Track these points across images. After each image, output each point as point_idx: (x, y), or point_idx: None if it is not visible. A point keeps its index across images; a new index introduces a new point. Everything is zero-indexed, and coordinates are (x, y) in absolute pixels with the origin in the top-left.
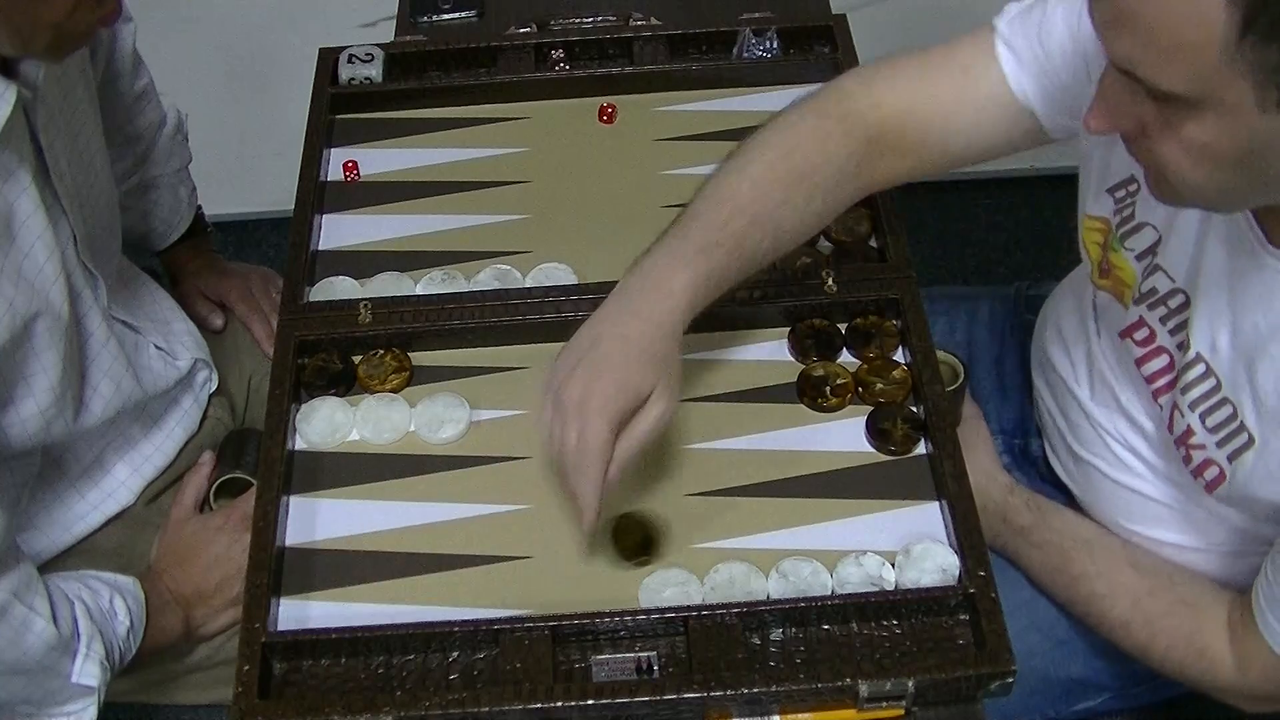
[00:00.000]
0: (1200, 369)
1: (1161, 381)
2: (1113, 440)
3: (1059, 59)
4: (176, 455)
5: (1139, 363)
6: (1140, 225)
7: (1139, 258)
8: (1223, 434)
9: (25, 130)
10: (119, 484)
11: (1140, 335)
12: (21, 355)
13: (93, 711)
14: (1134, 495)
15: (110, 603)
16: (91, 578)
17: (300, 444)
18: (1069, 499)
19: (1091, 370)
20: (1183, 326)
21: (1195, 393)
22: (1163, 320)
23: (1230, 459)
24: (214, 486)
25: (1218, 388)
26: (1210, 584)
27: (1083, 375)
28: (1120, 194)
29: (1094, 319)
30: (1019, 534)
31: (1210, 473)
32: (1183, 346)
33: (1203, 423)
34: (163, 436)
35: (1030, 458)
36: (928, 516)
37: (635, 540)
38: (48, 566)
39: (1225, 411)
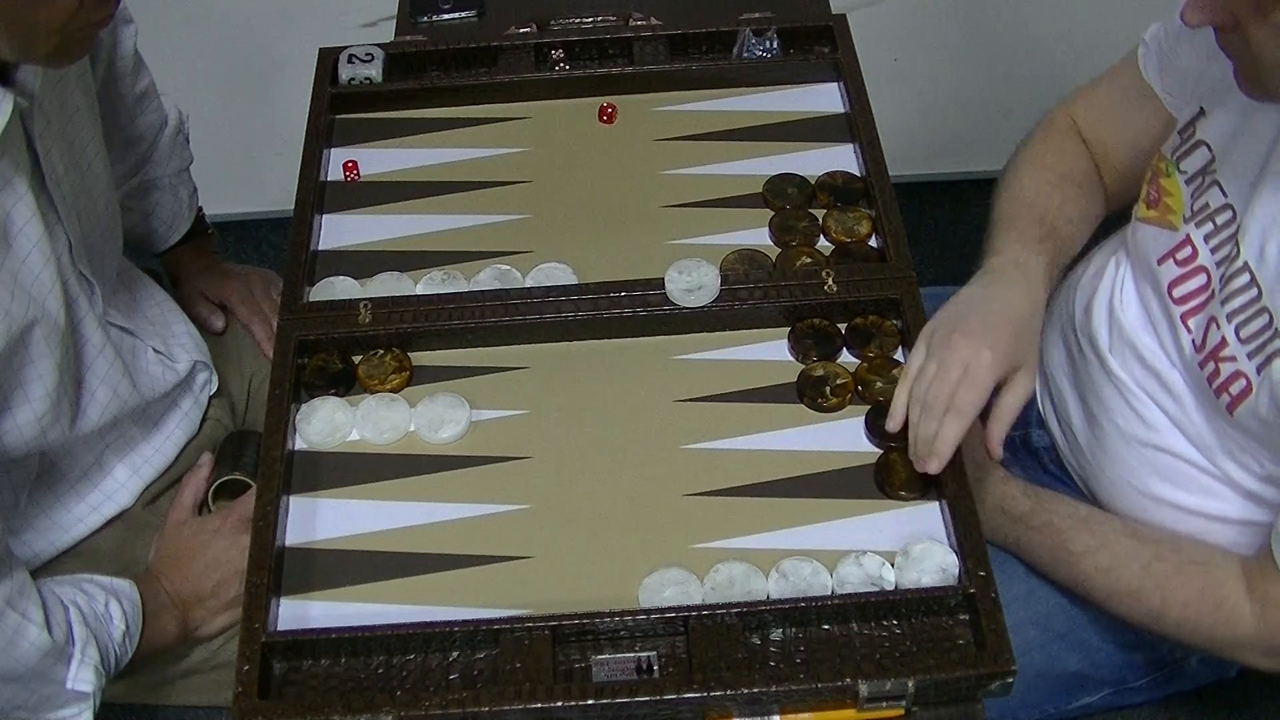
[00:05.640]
0: (1245, 279)
1: (1194, 303)
2: (1131, 393)
3: (1178, 35)
4: (176, 457)
5: (1172, 286)
6: (1196, 145)
7: (1189, 181)
8: (1255, 343)
9: (21, 138)
10: (118, 486)
11: (1182, 255)
12: (18, 363)
13: (88, 716)
14: (1150, 450)
15: (106, 607)
16: (87, 581)
17: (300, 444)
18: (1070, 490)
19: (1111, 321)
20: (1225, 243)
21: (1236, 303)
22: (1207, 238)
23: (1259, 370)
24: (212, 488)
25: (1258, 297)
26: (1215, 545)
27: (1102, 326)
28: (1184, 126)
29: (1125, 261)
30: (1017, 521)
31: (1236, 386)
32: (1226, 260)
33: (1237, 334)
34: (162, 438)
35: (1031, 448)
36: (928, 516)
37: (902, 476)
38: (46, 569)
39: (1261, 321)
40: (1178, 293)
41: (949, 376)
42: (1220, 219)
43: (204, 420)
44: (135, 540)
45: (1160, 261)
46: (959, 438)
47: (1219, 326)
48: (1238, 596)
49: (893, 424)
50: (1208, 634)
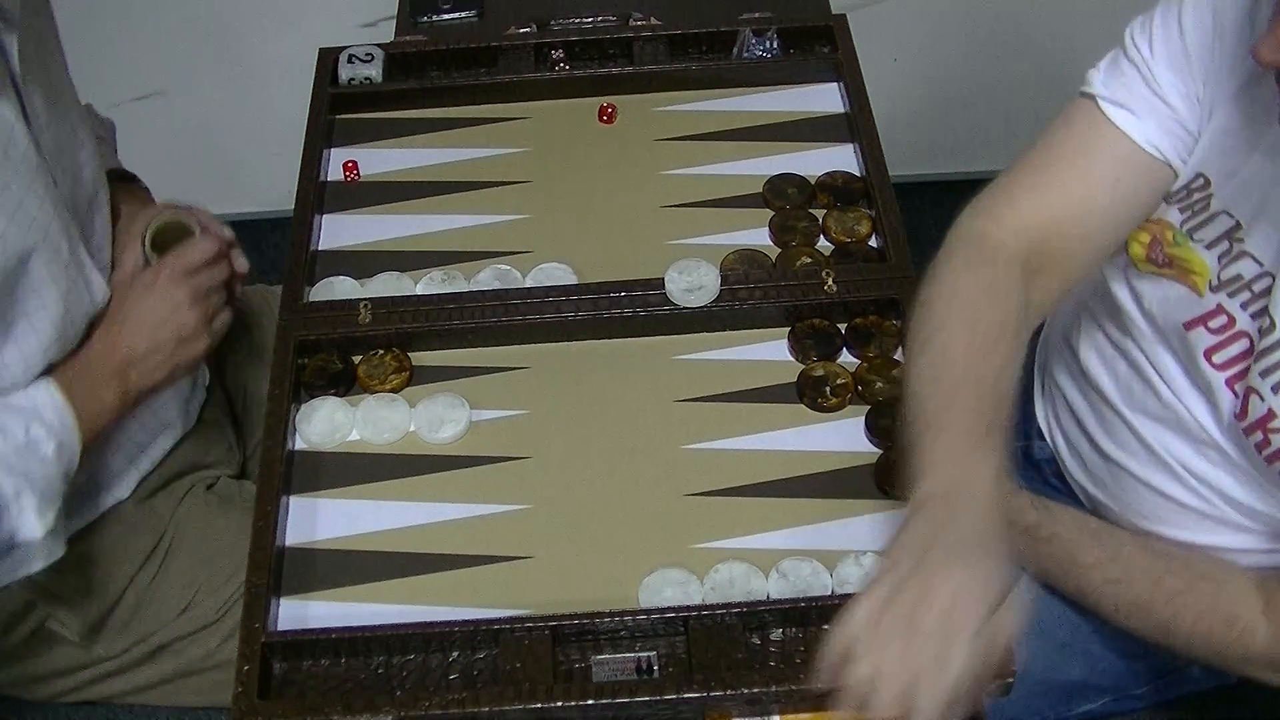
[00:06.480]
0: None
1: (1238, 368)
2: (1150, 443)
3: (1173, 95)
4: (171, 450)
5: (1210, 352)
6: (1213, 216)
7: (1209, 246)
8: None
9: (4, 71)
10: (113, 476)
11: (1216, 323)
12: (22, 290)
13: (57, 550)
14: (1162, 499)
15: (27, 433)
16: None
17: (300, 444)
18: (1073, 502)
19: (1132, 371)
20: (1263, 314)
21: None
22: (1244, 305)
23: None
24: (149, 237)
25: None
26: (1228, 561)
27: (1119, 378)
28: (1182, 197)
29: (1139, 316)
30: (1025, 533)
31: None
32: (1265, 330)
33: None
34: (158, 425)
35: (1033, 460)
36: None
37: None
38: None
39: None
40: (1218, 359)
41: (927, 614)
42: (1258, 287)
43: (199, 421)
44: (129, 539)
45: (1189, 327)
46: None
47: (1263, 398)
48: (1251, 613)
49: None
50: (1219, 650)
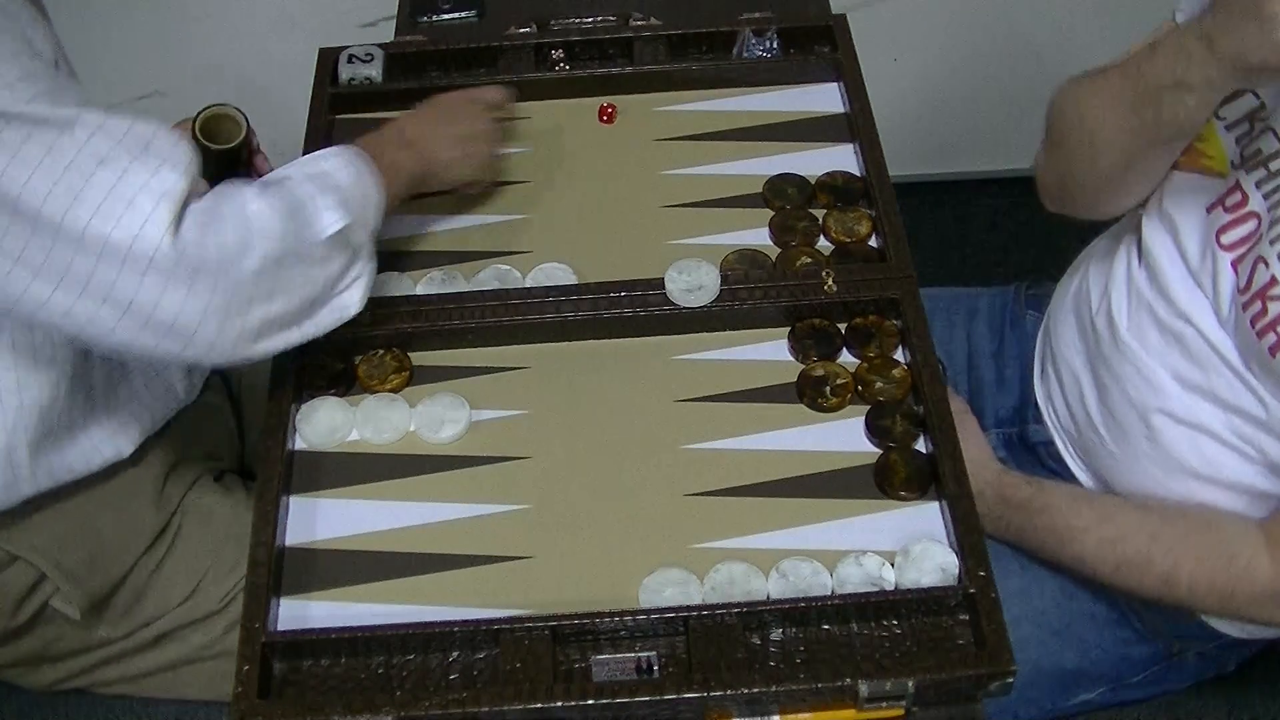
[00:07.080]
0: None
1: (1243, 249)
2: (1145, 365)
3: None
4: (168, 423)
5: (1220, 232)
6: (1239, 91)
7: (1230, 127)
8: None
9: None
10: (118, 427)
11: (1232, 200)
12: None
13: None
14: (1159, 417)
15: (321, 163)
16: (291, 170)
17: (300, 444)
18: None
19: (1130, 291)
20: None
21: None
22: (1259, 184)
23: None
24: (199, 123)
25: None
26: (1221, 509)
27: (1121, 302)
28: None
29: (1150, 222)
30: (1019, 508)
31: None
32: (1279, 204)
33: None
34: (162, 389)
35: (1028, 444)
36: (928, 516)
37: (902, 476)
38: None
39: None
40: (1226, 239)
41: None
42: (1275, 165)
43: (200, 401)
44: (138, 519)
45: (1210, 209)
46: None
47: (1268, 266)
48: (1251, 550)
49: None
50: (1223, 593)
